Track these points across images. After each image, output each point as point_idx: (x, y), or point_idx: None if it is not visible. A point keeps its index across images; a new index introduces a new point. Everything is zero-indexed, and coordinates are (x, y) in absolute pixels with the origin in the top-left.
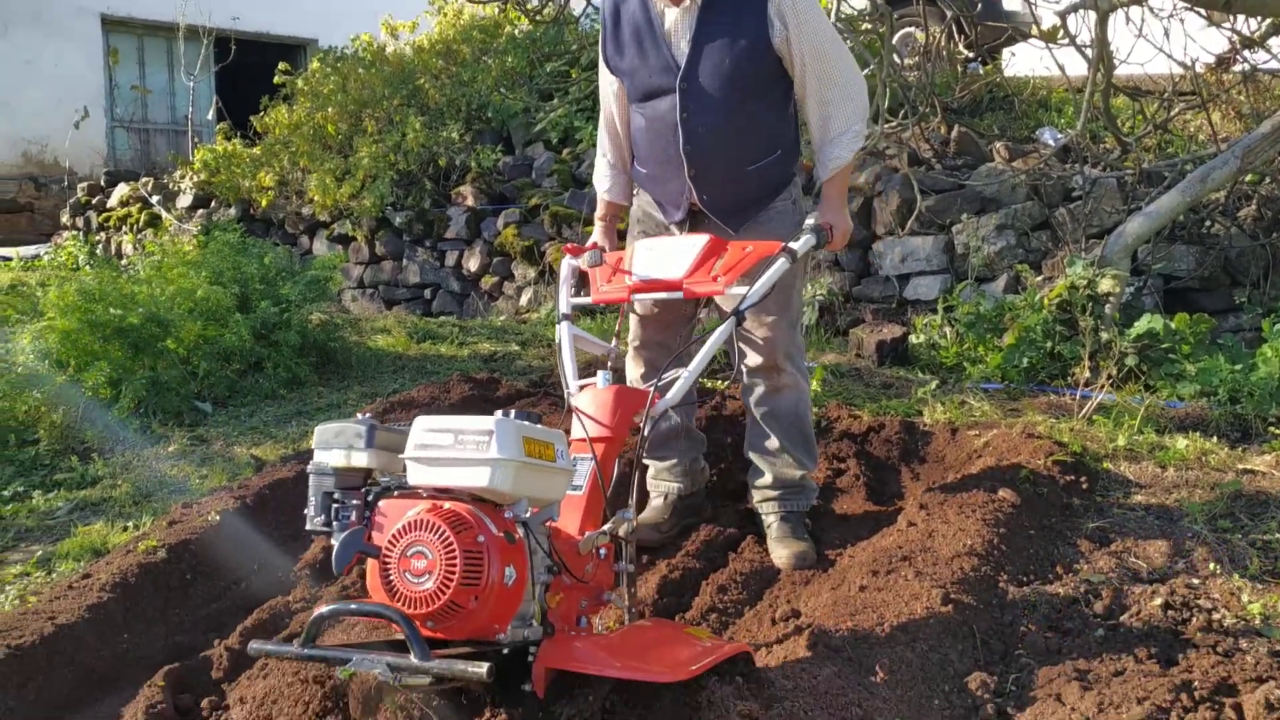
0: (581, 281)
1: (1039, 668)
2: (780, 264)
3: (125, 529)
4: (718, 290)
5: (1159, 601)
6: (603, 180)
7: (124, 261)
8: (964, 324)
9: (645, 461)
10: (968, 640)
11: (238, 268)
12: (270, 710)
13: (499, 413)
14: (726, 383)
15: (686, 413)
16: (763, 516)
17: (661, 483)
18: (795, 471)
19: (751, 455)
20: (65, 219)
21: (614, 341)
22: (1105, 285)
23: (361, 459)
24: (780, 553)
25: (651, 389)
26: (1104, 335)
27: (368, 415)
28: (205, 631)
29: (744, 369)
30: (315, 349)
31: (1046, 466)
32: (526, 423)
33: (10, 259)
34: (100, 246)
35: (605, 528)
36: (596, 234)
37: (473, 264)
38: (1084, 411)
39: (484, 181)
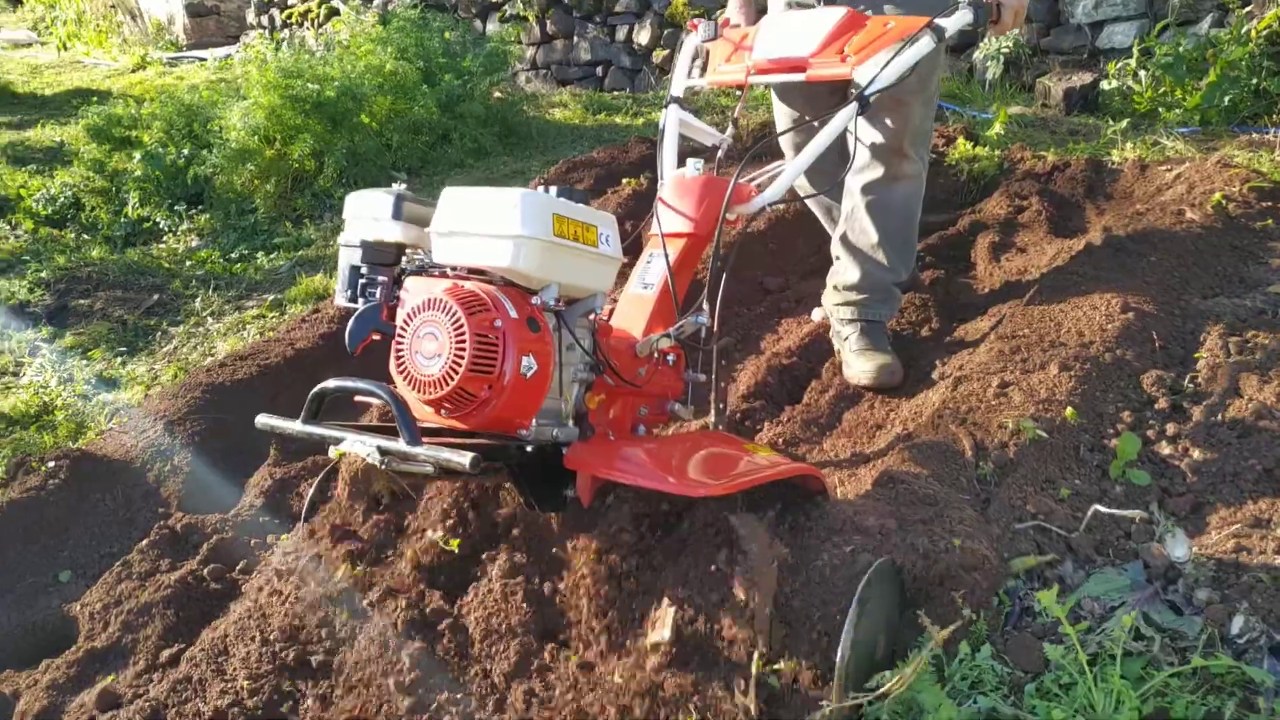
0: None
1: (1219, 367)
2: (923, 44)
3: None
4: (844, 74)
5: None
6: None
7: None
8: (1161, 66)
9: None
10: (1146, 345)
11: (420, 43)
12: None
13: (539, 186)
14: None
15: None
16: (838, 325)
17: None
18: (887, 275)
19: (840, 249)
20: (250, 19)
21: (728, 130)
22: None
23: (389, 231)
24: (862, 366)
25: (734, 179)
26: None
27: (401, 185)
28: None
29: (859, 149)
30: (497, 121)
31: (1241, 193)
32: (562, 200)
33: (205, 59)
34: (285, 44)
35: (670, 330)
36: (731, 7)
37: (643, 37)
38: None
39: None
